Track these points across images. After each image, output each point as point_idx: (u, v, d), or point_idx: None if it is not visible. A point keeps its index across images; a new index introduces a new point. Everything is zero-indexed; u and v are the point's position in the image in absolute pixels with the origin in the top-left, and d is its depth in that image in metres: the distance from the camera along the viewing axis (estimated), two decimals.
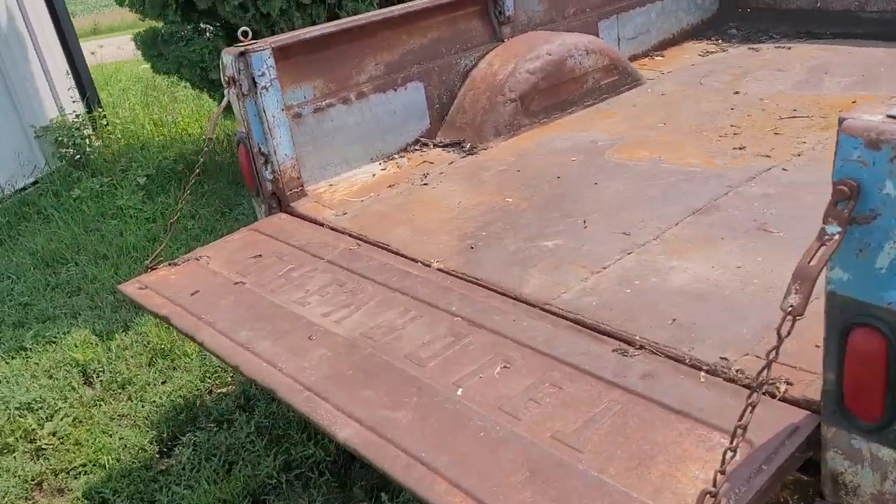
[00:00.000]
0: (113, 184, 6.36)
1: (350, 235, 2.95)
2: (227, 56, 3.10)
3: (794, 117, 3.49)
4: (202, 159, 3.10)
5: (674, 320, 2.09)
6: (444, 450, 1.78)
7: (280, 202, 3.31)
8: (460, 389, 1.96)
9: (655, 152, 3.28)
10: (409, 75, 3.74)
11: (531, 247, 2.63)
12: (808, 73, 4.07)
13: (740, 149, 3.20)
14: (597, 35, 4.48)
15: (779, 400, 1.74)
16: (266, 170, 3.24)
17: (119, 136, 7.33)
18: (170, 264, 2.97)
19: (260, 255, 2.91)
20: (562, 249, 2.58)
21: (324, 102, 3.45)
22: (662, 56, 4.88)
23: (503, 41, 4.06)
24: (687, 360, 1.92)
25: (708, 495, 1.38)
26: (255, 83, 3.12)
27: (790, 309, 1.35)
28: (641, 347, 2.01)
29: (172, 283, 2.81)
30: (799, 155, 3.06)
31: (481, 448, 1.76)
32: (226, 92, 3.16)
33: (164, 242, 3.03)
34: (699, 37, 5.18)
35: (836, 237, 1.36)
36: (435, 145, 3.79)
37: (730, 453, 1.40)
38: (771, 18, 5.10)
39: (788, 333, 1.38)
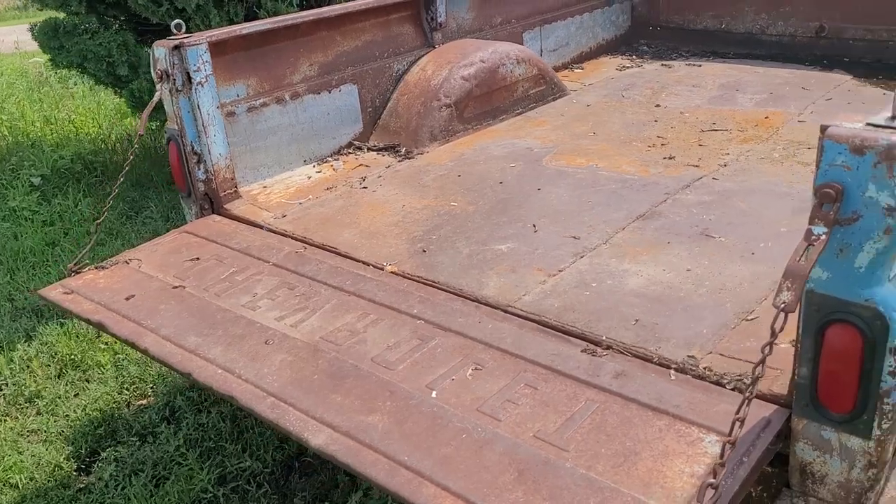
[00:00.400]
0: (2, 184, 5.92)
1: (293, 238, 2.86)
2: (160, 49, 2.95)
3: (715, 130, 3.67)
4: (131, 156, 2.93)
5: (636, 321, 2.14)
6: (427, 453, 1.75)
7: (212, 203, 3.17)
8: (434, 392, 1.94)
9: (591, 160, 3.37)
10: (343, 77, 3.68)
11: (485, 250, 2.63)
12: (721, 89, 4.30)
13: (670, 158, 3.34)
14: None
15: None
16: (199, 169, 3.10)
17: (6, 133, 6.84)
18: (96, 267, 2.78)
19: (197, 259, 2.78)
20: (515, 253, 2.60)
21: (258, 102, 3.35)
22: (582, 68, 5.03)
23: (434, 47, 4.07)
24: (655, 359, 1.98)
25: (710, 487, 1.42)
26: (189, 78, 2.98)
27: (783, 305, 1.41)
28: (609, 347, 2.05)
29: (102, 288, 2.64)
30: (725, 165, 3.22)
31: (465, 450, 1.75)
32: (157, 87, 3.00)
33: (89, 244, 2.84)
34: (613, 52, 5.38)
35: (823, 237, 1.44)
36: (369, 149, 3.75)
37: (728, 446, 1.45)
38: (679, 37, 5.36)
39: (782, 329, 1.44)
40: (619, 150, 3.48)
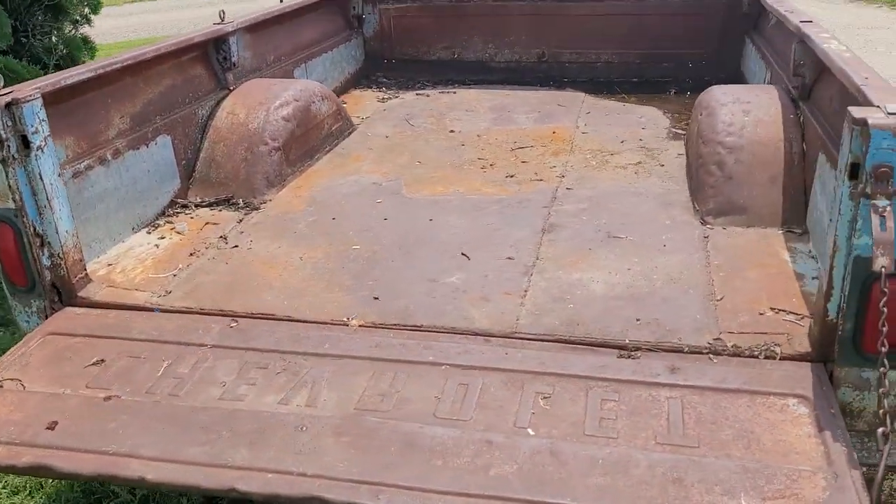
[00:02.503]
0: None
1: (210, 314, 2.45)
2: None
3: (522, 148, 3.99)
4: None
5: (638, 320, 2.30)
6: (580, 489, 1.69)
7: (61, 294, 2.56)
8: (529, 429, 1.87)
9: (448, 187, 3.43)
10: (157, 129, 3.23)
11: (438, 286, 2.56)
12: (495, 111, 4.66)
13: (511, 177, 3.56)
14: None
15: (779, 359, 2.08)
16: (43, 254, 2.48)
17: None
18: None
19: (103, 361, 2.23)
20: (470, 283, 2.57)
21: (81, 164, 2.79)
22: (346, 103, 5.03)
23: (230, 89, 3.76)
24: (685, 349, 2.16)
25: (883, 434, 1.63)
26: (27, 143, 2.38)
27: (883, 269, 1.69)
28: (637, 349, 2.17)
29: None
30: (563, 176, 3.54)
31: (608, 474, 1.73)
32: None
33: None
34: (359, 85, 5.48)
35: (888, 207, 1.75)
36: (196, 205, 3.33)
37: (883, 397, 1.68)
38: (415, 68, 5.64)
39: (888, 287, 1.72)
40: (460, 175, 3.60)
